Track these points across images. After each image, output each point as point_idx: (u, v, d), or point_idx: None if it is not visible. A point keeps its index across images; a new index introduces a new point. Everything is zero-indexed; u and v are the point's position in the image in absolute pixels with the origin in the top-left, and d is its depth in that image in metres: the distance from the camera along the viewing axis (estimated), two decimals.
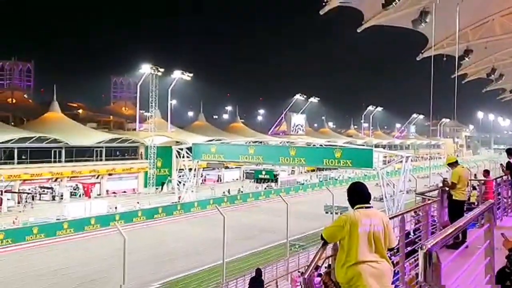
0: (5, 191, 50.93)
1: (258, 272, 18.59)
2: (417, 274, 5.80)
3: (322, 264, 5.98)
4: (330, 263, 5.64)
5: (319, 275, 9.87)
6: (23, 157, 56.12)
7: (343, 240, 4.35)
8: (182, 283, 27.60)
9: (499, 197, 11.48)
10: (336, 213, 34.89)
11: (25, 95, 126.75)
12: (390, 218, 4.74)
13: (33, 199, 54.25)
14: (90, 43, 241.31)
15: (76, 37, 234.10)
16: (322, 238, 4.56)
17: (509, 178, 12.05)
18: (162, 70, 68.23)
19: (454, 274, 4.02)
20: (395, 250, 6.87)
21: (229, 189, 64.50)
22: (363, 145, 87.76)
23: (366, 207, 4.45)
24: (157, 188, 65.43)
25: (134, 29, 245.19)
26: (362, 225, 4.28)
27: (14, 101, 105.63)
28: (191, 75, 77.03)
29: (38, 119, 69.58)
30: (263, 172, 74.11)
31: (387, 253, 4.44)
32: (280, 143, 57.35)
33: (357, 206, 4.48)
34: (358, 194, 4.56)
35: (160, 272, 29.51)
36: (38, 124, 65.91)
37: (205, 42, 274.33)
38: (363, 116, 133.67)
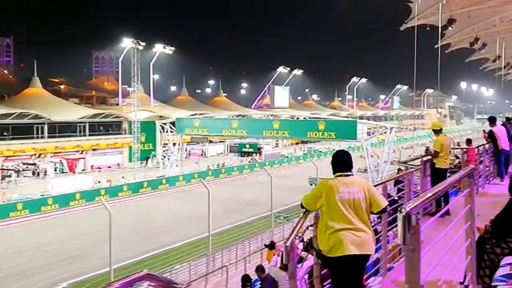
0: None
1: None
2: None
3: (303, 233, 5.98)
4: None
5: (303, 244, 9.89)
6: (5, 133, 55.57)
7: (322, 207, 4.38)
8: (161, 258, 27.35)
9: (481, 165, 11.55)
10: None
11: (5, 71, 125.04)
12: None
13: (18, 175, 53.93)
14: (70, 18, 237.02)
15: (56, 12, 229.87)
16: (302, 206, 4.59)
17: (491, 146, 12.11)
18: (143, 44, 67.24)
19: (434, 238, 4.00)
20: (378, 220, 6.89)
21: (218, 164, 64.78)
22: (347, 117, 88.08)
23: (346, 175, 4.48)
24: (141, 163, 65.19)
25: (115, 3, 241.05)
26: (339, 192, 4.34)
27: None
28: (173, 48, 76.13)
29: (19, 95, 68.49)
30: (247, 146, 74.17)
31: (375, 217, 4.45)
32: (264, 116, 57.20)
33: (337, 174, 4.51)
34: (339, 163, 4.60)
35: (144, 246, 29.34)
36: (19, 100, 64.85)
37: (186, 17, 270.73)
38: (347, 88, 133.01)
